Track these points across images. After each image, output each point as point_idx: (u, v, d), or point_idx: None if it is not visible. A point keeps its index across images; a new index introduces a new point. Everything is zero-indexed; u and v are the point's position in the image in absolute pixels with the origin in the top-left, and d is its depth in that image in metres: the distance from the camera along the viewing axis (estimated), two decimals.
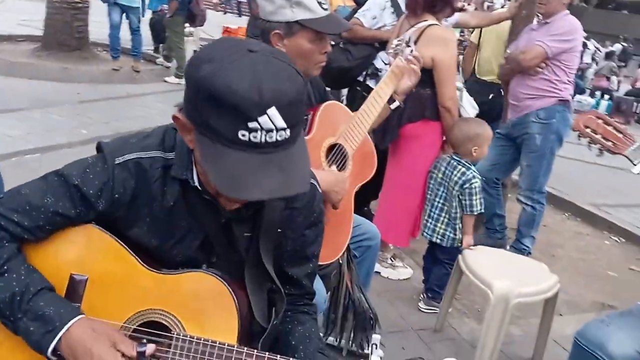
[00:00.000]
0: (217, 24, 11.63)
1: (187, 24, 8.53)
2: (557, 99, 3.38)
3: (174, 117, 1.02)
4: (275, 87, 0.91)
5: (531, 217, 3.54)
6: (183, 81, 6.97)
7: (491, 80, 4.32)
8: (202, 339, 1.07)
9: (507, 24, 4.10)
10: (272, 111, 0.90)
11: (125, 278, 1.12)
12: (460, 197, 2.74)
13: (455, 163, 2.77)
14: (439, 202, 2.84)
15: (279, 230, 1.21)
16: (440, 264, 2.87)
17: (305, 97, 1.05)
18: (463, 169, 2.73)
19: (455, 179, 2.74)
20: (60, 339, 1.03)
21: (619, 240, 4.46)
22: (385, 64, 3.34)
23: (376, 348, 1.02)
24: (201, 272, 1.14)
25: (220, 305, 1.11)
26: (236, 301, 1.11)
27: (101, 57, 8.41)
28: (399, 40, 2.21)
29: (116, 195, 1.12)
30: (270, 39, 1.70)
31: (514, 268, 2.56)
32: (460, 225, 2.78)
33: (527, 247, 3.58)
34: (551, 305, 2.49)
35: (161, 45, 9.33)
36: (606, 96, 11.42)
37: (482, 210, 2.79)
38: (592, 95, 11.79)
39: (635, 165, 1.60)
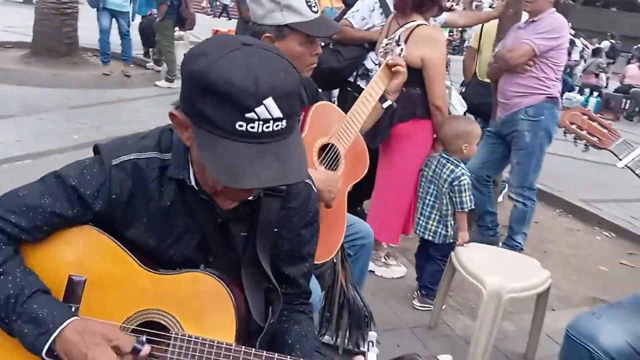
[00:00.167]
0: (206, 27, 11.64)
1: (176, 28, 8.53)
2: (546, 96, 3.42)
3: (171, 115, 1.03)
4: (271, 78, 0.92)
5: (522, 214, 3.58)
6: (174, 85, 7.05)
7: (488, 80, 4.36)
8: (201, 338, 1.08)
9: (494, 25, 4.14)
10: (269, 101, 0.92)
11: (123, 278, 1.13)
12: (451, 194, 2.77)
13: (444, 161, 2.80)
14: (430, 199, 2.87)
15: (275, 230, 1.22)
16: (433, 261, 2.90)
17: (301, 90, 1.07)
18: (452, 167, 2.77)
19: (445, 176, 2.77)
20: (54, 340, 1.03)
21: (609, 235, 4.51)
22: (375, 64, 3.37)
23: (373, 345, 1.03)
24: (199, 272, 1.15)
25: (218, 304, 1.12)
26: (234, 300, 1.13)
27: (91, 62, 8.40)
28: (388, 40, 2.23)
29: (113, 196, 1.13)
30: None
31: (506, 264, 2.59)
32: (452, 222, 2.81)
33: (519, 243, 3.62)
34: (543, 300, 2.52)
35: (151, 49, 9.33)
36: (595, 93, 11.52)
37: (473, 207, 2.83)
38: (581, 92, 11.88)
39: (620, 159, 1.63)
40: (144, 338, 1.07)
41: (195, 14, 8.87)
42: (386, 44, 2.17)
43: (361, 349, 2.22)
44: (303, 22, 1.70)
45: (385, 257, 3.33)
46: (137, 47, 8.98)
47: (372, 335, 1.02)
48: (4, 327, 1.07)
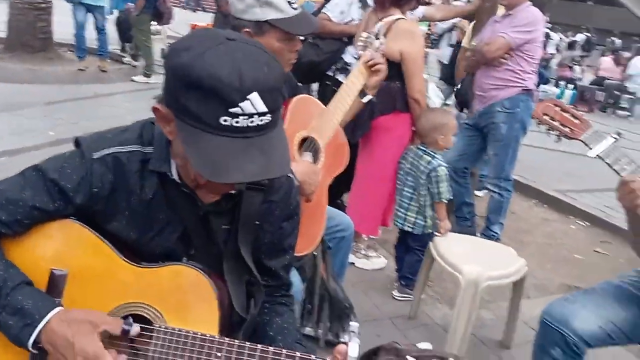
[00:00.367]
0: (184, 21, 11.52)
1: (154, 22, 8.44)
2: (521, 88, 3.48)
3: (154, 109, 1.04)
4: (255, 73, 0.93)
5: (499, 204, 3.64)
6: (151, 80, 6.97)
7: None
8: (184, 331, 1.09)
9: None
10: (254, 96, 0.93)
11: (105, 272, 1.14)
12: (429, 185, 2.82)
13: (421, 153, 2.85)
14: (408, 191, 2.92)
15: (256, 223, 1.24)
16: (412, 251, 2.95)
17: (284, 84, 1.08)
18: (429, 158, 2.82)
19: (422, 168, 2.82)
20: (40, 332, 1.04)
21: (584, 225, 4.61)
22: (355, 58, 3.39)
23: (354, 335, 1.05)
24: (181, 264, 1.16)
25: (201, 297, 1.13)
26: (216, 292, 1.14)
27: (66, 57, 8.27)
28: (368, 33, 2.25)
29: (94, 190, 1.13)
30: None
31: (483, 253, 2.65)
32: (430, 212, 2.86)
33: (496, 233, 3.68)
34: (519, 288, 2.58)
35: (128, 44, 9.21)
36: (570, 86, 11.70)
37: (451, 197, 2.88)
38: (556, 85, 12.05)
39: (591, 149, 1.68)
40: (131, 319, 1.08)
41: (173, 7, 8.80)
42: (366, 38, 2.19)
43: (342, 339, 2.25)
44: (282, 19, 1.70)
45: (365, 249, 3.36)
46: (113, 42, 8.86)
47: (353, 325, 1.04)
48: None
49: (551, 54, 13.98)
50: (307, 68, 3.47)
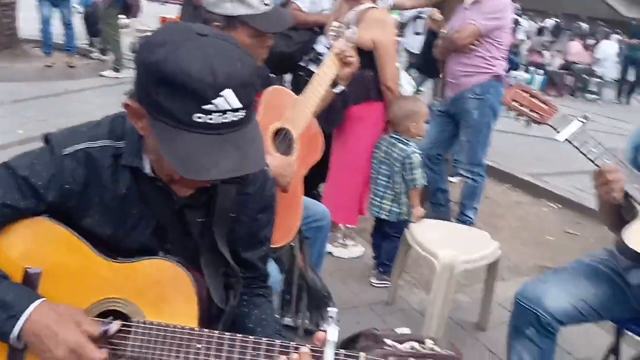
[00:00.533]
0: (153, 14, 11.34)
1: (122, 16, 8.30)
2: (491, 74, 3.52)
3: (125, 105, 1.03)
4: (228, 69, 0.93)
5: (472, 189, 3.70)
6: (121, 75, 6.84)
7: None
8: (163, 324, 1.09)
9: None
10: (227, 92, 0.92)
11: (81, 269, 1.13)
12: (403, 172, 2.85)
13: (394, 141, 2.89)
14: (382, 179, 2.95)
15: (232, 215, 1.24)
16: (388, 238, 2.98)
17: (258, 79, 1.08)
18: (402, 146, 2.85)
19: (396, 155, 2.85)
20: (23, 323, 1.03)
21: (555, 207, 4.72)
22: (327, 47, 3.39)
23: (333, 320, 1.07)
24: (158, 258, 1.16)
25: (179, 290, 1.14)
26: (195, 285, 1.14)
27: (33, 54, 8.08)
28: (338, 24, 2.25)
29: (66, 186, 1.12)
30: None
31: (457, 238, 2.70)
32: (405, 200, 2.90)
33: (471, 218, 3.75)
34: (493, 270, 2.64)
35: (96, 38, 9.04)
36: (540, 71, 11.88)
37: (425, 183, 2.92)
38: (527, 70, 12.23)
39: (559, 133, 1.72)
40: (110, 318, 1.08)
41: (141, 0, 8.66)
42: (337, 28, 2.20)
43: (321, 328, 2.27)
44: (252, 15, 1.69)
45: (343, 238, 3.39)
46: (81, 37, 8.68)
47: (331, 310, 1.05)
48: None
49: (521, 40, 14.15)
50: (279, 59, 3.45)
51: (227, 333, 1.08)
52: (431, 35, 4.72)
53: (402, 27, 6.04)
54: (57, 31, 7.75)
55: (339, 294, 2.71)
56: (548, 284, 1.85)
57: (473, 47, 3.48)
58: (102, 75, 7.87)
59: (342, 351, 1.01)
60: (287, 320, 2.26)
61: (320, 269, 2.40)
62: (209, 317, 1.21)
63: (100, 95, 6.60)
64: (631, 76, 11.14)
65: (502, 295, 2.85)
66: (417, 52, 5.74)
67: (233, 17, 1.69)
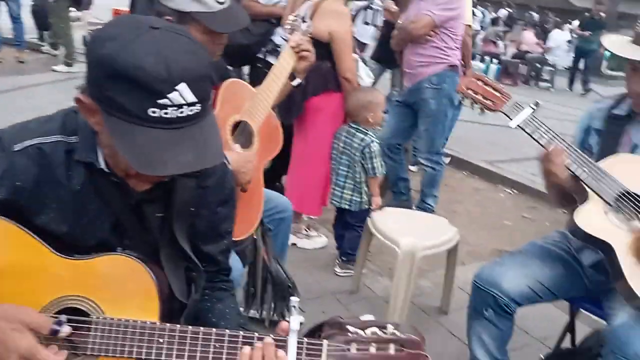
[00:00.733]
0: (105, 6, 11.00)
1: (72, 9, 8.04)
2: (447, 64, 3.59)
3: (77, 100, 1.00)
4: (182, 63, 0.92)
5: (432, 177, 3.78)
6: (73, 69, 6.62)
7: None
8: (123, 320, 1.08)
9: None
10: (182, 86, 0.91)
11: (35, 267, 1.10)
12: (362, 162, 2.89)
13: (353, 131, 2.92)
14: (343, 170, 2.98)
15: (191, 209, 1.23)
16: (351, 228, 3.01)
17: (213, 72, 1.07)
18: (361, 135, 2.89)
19: (355, 145, 2.88)
20: None
21: (512, 192, 4.85)
22: (284, 39, 3.38)
23: (295, 309, 1.08)
24: (117, 254, 1.14)
25: (139, 285, 1.12)
26: (155, 280, 1.13)
27: None
28: (295, 16, 2.25)
29: (18, 183, 1.09)
30: None
31: (417, 225, 2.75)
32: (366, 189, 2.94)
33: (431, 205, 3.82)
34: (453, 255, 2.70)
35: (46, 32, 8.74)
36: (495, 60, 12.13)
37: (384, 172, 2.97)
38: (482, 60, 12.47)
39: (511, 119, 1.77)
40: (63, 318, 1.05)
41: None
42: (293, 21, 2.19)
43: (286, 319, 2.28)
44: (205, 13, 1.66)
45: (306, 229, 3.40)
46: (30, 31, 8.38)
47: (293, 300, 1.06)
48: None
49: (476, 30, 14.40)
50: (237, 51, 3.42)
51: (189, 327, 1.07)
52: (387, 27, 4.77)
53: (352, 17, 6.06)
54: (5, 25, 7.45)
55: (303, 285, 2.72)
56: (504, 266, 1.91)
57: (428, 37, 3.53)
58: (53, 70, 7.61)
59: (306, 339, 1.02)
60: (253, 313, 2.27)
61: (284, 260, 2.41)
62: (171, 311, 1.20)
63: (52, 91, 6.40)
64: (581, 65, 11.50)
65: (462, 279, 2.92)
66: (366, 42, 5.80)
67: (186, 13, 1.67)
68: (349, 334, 1.02)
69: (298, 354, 1.01)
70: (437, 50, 3.57)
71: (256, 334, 1.05)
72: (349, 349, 0.99)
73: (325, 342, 1.01)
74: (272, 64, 3.45)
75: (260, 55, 3.57)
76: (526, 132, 1.77)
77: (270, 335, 1.05)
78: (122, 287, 1.12)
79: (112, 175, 1.13)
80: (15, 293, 1.09)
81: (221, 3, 1.69)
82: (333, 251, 3.24)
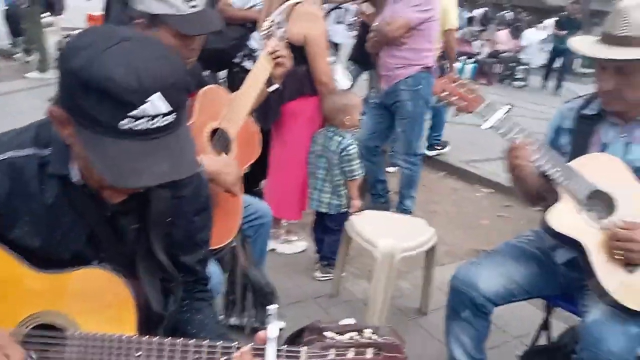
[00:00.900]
0: (77, 9, 10.85)
1: (45, 14, 7.91)
2: (422, 66, 3.62)
3: (49, 112, 0.99)
4: (155, 73, 0.92)
5: (409, 179, 3.81)
6: (47, 75, 6.50)
7: None
8: (99, 334, 1.07)
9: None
10: (154, 97, 0.91)
11: (9, 282, 1.09)
12: (341, 165, 2.90)
13: (331, 134, 2.93)
14: (321, 173, 2.99)
15: (168, 219, 1.22)
16: (330, 232, 3.02)
17: (186, 80, 1.07)
18: (339, 138, 2.90)
19: (334, 148, 2.90)
20: None
21: (488, 192, 4.91)
22: (261, 43, 3.38)
23: (272, 317, 1.08)
24: (92, 267, 1.13)
25: (116, 297, 1.12)
26: (132, 292, 1.13)
27: None
28: (270, 22, 2.25)
29: None
30: (135, 28, 1.68)
31: (395, 227, 2.77)
32: (344, 191, 2.95)
33: (409, 206, 3.85)
34: (431, 256, 2.73)
35: (19, 38, 8.59)
36: (470, 60, 12.26)
37: (363, 174, 2.99)
38: (458, 60, 12.58)
39: (485, 121, 1.80)
40: (34, 355, 1.04)
41: None
42: (268, 27, 2.19)
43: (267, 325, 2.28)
44: (174, 16, 1.66)
45: (286, 234, 3.41)
46: (2, 37, 8.23)
47: (271, 308, 1.07)
48: None
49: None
50: (213, 56, 3.41)
51: (167, 339, 1.07)
52: (363, 28, 4.81)
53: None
54: None
55: (284, 289, 2.73)
56: (480, 267, 1.94)
57: (404, 39, 3.56)
58: (26, 77, 7.49)
59: (284, 347, 1.03)
60: (233, 320, 2.26)
61: (263, 266, 2.41)
62: (149, 324, 1.19)
63: (26, 98, 6.29)
64: (558, 64, 11.65)
65: (440, 279, 2.93)
66: (340, 42, 5.84)
67: (155, 16, 1.66)
68: (327, 339, 1.03)
69: None
70: (413, 52, 3.60)
71: (235, 344, 1.05)
72: (327, 355, 1.00)
73: (304, 348, 1.02)
74: (248, 69, 3.47)
75: (237, 60, 3.56)
76: (499, 133, 1.81)
77: (250, 344, 1.05)
78: (98, 301, 1.11)
79: (86, 187, 1.12)
80: None
81: (193, 7, 1.68)
82: (312, 255, 3.24)
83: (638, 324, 1.66)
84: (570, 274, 1.89)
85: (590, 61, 12.25)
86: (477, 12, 17.95)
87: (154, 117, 0.92)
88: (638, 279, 1.66)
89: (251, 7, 3.55)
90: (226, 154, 1.99)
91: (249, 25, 3.50)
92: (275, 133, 3.16)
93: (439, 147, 5.61)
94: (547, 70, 11.62)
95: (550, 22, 12.93)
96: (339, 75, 3.73)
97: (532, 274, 1.94)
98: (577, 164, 1.75)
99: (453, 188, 4.99)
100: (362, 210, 2.95)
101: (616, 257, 1.65)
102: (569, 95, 9.65)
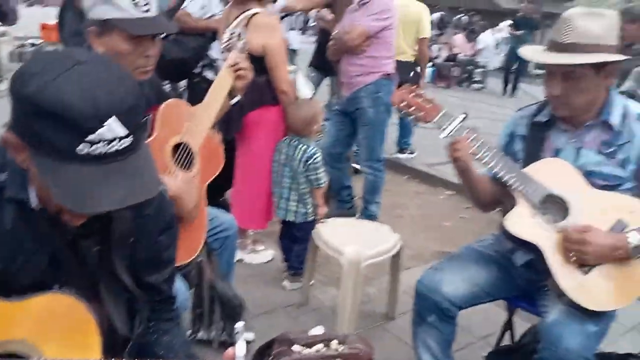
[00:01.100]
0: (30, 18, 10.58)
1: None
2: (382, 73, 3.68)
3: (3, 139, 0.98)
4: (110, 96, 0.91)
5: (373, 184, 3.86)
6: (1, 87, 6.28)
7: (406, 59, 4.94)
8: None
9: (405, 10, 4.69)
10: (111, 121, 0.90)
11: None
12: (307, 173, 2.92)
13: (295, 143, 2.95)
14: (286, 182, 3.00)
15: (131, 240, 1.21)
16: (298, 241, 3.04)
17: (143, 101, 1.06)
18: (304, 147, 2.94)
19: (299, 157, 2.92)
20: None
21: (450, 194, 5.01)
22: (222, 52, 3.37)
23: (240, 334, 1.08)
24: (53, 293, 1.11)
25: (78, 323, 1.10)
26: (94, 316, 1.11)
27: None
28: (230, 35, 2.26)
29: None
30: (88, 36, 1.68)
31: (361, 234, 2.80)
32: (310, 199, 2.97)
33: (374, 212, 3.90)
34: (397, 261, 2.77)
35: None
36: (429, 64, 12.47)
37: (327, 181, 3.02)
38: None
39: (442, 130, 1.85)
40: None
41: (17, 5, 8.04)
42: (228, 39, 2.20)
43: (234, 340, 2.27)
44: (124, 19, 1.65)
45: (252, 244, 3.40)
46: None
47: (238, 326, 1.07)
48: None
49: None
50: (173, 65, 3.41)
51: None
52: (324, 35, 4.86)
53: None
54: None
55: (252, 300, 2.72)
56: (444, 272, 1.99)
57: (363, 47, 3.61)
58: None
59: None
60: (201, 335, 2.24)
61: (231, 278, 2.40)
62: (114, 347, 1.18)
63: None
64: (515, 66, 11.93)
65: (407, 283, 2.97)
66: (297, 48, 5.90)
67: (106, 21, 1.65)
68: (295, 354, 1.04)
69: None
70: (372, 60, 3.66)
71: None
72: None
73: None
74: (209, 79, 3.46)
75: (197, 70, 3.55)
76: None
77: None
78: (61, 327, 1.09)
79: (45, 212, 1.10)
80: None
81: (145, 11, 1.68)
82: (280, 264, 3.25)
83: (595, 322, 1.73)
84: (529, 275, 1.95)
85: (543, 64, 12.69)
86: (434, 17, 18.29)
87: (111, 141, 0.91)
88: (593, 279, 1.73)
89: (210, 16, 3.55)
90: (189, 168, 1.98)
91: (209, 34, 3.50)
92: (239, 143, 3.16)
93: (408, 152, 5.75)
94: (505, 72, 11.88)
95: (505, 24, 13.26)
96: (301, 84, 3.76)
97: (493, 277, 1.99)
98: (532, 169, 1.82)
99: (416, 191, 5.07)
100: (328, 217, 2.98)
101: (571, 259, 1.72)
102: (525, 96, 9.94)
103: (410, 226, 4.12)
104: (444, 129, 1.84)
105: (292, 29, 6.03)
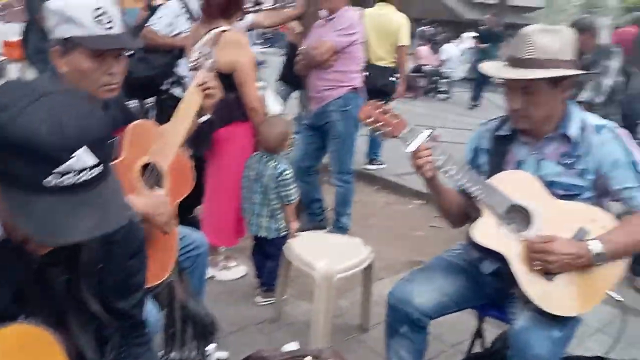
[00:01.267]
0: None
1: None
2: (351, 87, 3.74)
3: None
4: (78, 127, 0.91)
5: (343, 197, 3.90)
6: None
7: (385, 64, 5.10)
8: None
9: (385, 19, 4.90)
10: (80, 151, 0.90)
11: None
12: (278, 189, 2.93)
13: (265, 159, 2.96)
14: (258, 198, 3.00)
15: (99, 266, 1.20)
16: (270, 257, 3.03)
17: (111, 128, 1.06)
18: (275, 163, 2.95)
19: (269, 173, 2.93)
20: None
21: (420, 203, 5.08)
22: (190, 70, 3.37)
23: (210, 356, 1.09)
24: (19, 324, 1.09)
25: (46, 354, 1.08)
26: (62, 345, 1.09)
27: None
28: (198, 54, 2.26)
29: None
30: (52, 57, 1.67)
31: (332, 247, 2.82)
32: (281, 215, 2.98)
33: (345, 223, 3.93)
34: (368, 273, 2.80)
35: None
36: (396, 75, 12.61)
37: (298, 197, 3.03)
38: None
39: (408, 145, 1.89)
40: None
41: None
42: (197, 59, 2.20)
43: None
44: (85, 37, 1.64)
45: (224, 260, 3.38)
46: None
47: (209, 348, 1.08)
48: None
49: None
50: (139, 84, 3.38)
51: None
52: (292, 48, 4.90)
53: None
54: None
55: (225, 317, 2.70)
56: (414, 283, 2.02)
57: (331, 62, 3.66)
58: None
59: None
60: (173, 355, 2.22)
61: (203, 296, 2.38)
62: None
63: None
64: (480, 77, 12.13)
65: (379, 294, 3.00)
66: (261, 61, 5.92)
67: (69, 39, 1.64)
68: None
69: None
70: (340, 74, 3.71)
71: None
72: None
73: None
74: (176, 96, 3.45)
75: (164, 87, 3.54)
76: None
77: None
78: (27, 358, 1.07)
79: (9, 242, 1.08)
80: None
81: (107, 29, 1.67)
82: (253, 279, 3.24)
83: (561, 328, 1.78)
84: (496, 284, 2.00)
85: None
86: None
87: (80, 171, 0.91)
88: (557, 286, 1.79)
89: (178, 34, 3.54)
90: (159, 188, 1.97)
91: (176, 52, 3.49)
92: (209, 160, 3.15)
93: (378, 163, 5.83)
94: (474, 83, 12.03)
95: (468, 35, 13.54)
96: (270, 100, 3.78)
97: (462, 287, 2.04)
98: (495, 180, 1.88)
99: (386, 202, 5.13)
100: (300, 231, 2.99)
101: (535, 267, 1.78)
102: (490, 105, 10.14)
103: (381, 236, 4.15)
104: (409, 144, 1.88)
105: (255, 44, 6.06)
